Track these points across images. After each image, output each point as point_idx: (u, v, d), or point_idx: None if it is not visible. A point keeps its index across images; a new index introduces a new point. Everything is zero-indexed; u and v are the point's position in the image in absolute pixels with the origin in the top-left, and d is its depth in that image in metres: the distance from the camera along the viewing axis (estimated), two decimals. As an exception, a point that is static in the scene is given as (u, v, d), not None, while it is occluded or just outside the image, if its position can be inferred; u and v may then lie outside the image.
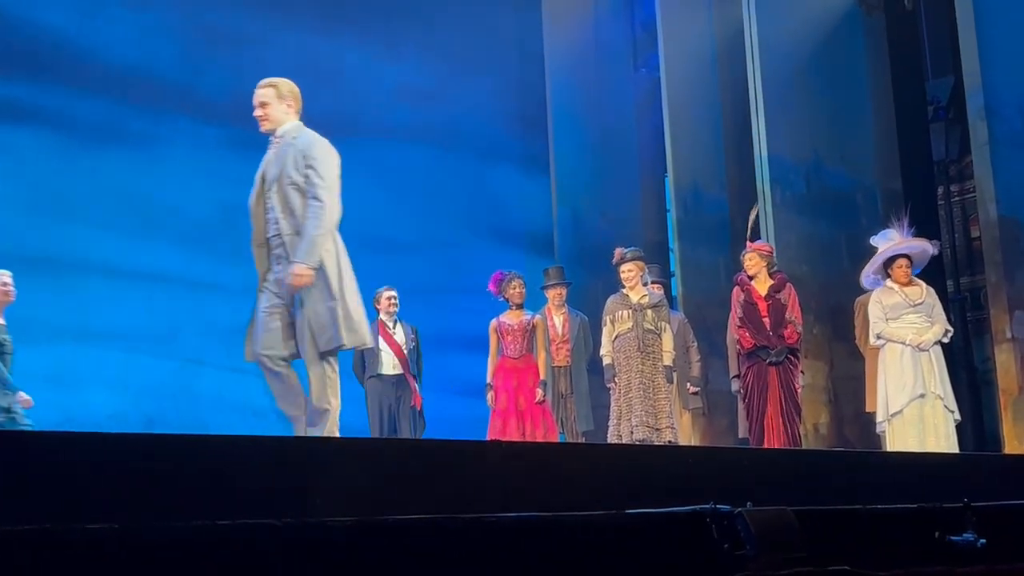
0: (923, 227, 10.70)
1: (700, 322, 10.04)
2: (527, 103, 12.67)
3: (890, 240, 8.16)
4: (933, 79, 11.61)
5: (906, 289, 7.97)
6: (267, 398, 10.06)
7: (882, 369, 7.97)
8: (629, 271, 8.37)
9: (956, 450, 7.74)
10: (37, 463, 3.03)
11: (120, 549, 2.41)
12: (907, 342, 7.82)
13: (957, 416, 7.89)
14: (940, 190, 11.56)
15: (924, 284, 8.09)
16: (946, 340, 8.04)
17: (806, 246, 9.84)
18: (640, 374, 8.14)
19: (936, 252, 8.31)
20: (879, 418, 7.99)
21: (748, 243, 8.88)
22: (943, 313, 8.09)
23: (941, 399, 7.78)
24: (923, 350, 7.82)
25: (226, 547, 2.54)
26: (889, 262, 8.05)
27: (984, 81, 9.24)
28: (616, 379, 8.25)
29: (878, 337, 7.96)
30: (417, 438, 8.84)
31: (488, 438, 8.38)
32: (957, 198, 11.62)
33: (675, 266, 11.35)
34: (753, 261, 8.36)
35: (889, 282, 8.03)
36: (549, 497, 3.81)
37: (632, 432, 8.01)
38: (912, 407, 7.73)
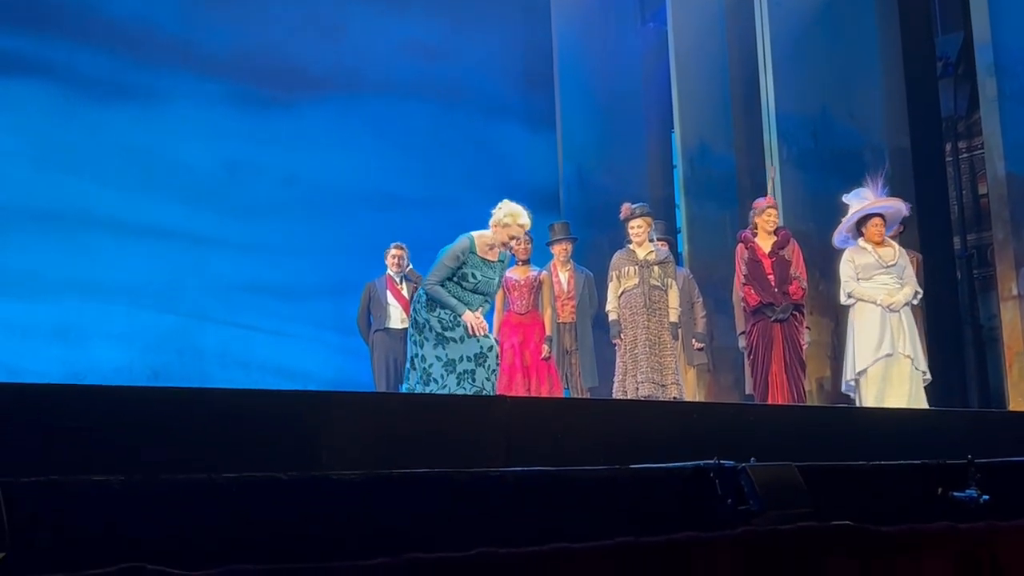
0: (931, 183, 10.68)
1: (706, 278, 10.02)
2: (533, 58, 12.57)
3: (863, 199, 8.12)
4: (942, 35, 11.50)
5: (879, 250, 7.97)
6: (271, 353, 10.14)
7: (851, 328, 7.99)
8: (638, 227, 8.35)
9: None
10: (44, 416, 3.04)
11: (126, 501, 2.42)
12: (878, 302, 7.82)
13: (928, 376, 7.94)
14: (948, 147, 11.48)
15: (897, 245, 8.12)
16: (915, 302, 8.07)
17: (813, 203, 9.79)
18: (646, 330, 8.14)
19: (908, 213, 8.31)
20: (847, 376, 8.01)
21: (767, 198, 8.80)
22: (914, 275, 8.12)
23: (910, 359, 7.80)
24: (894, 311, 7.83)
25: (232, 500, 2.55)
26: (863, 221, 8.02)
27: (993, 37, 9.16)
28: (622, 335, 8.25)
29: (849, 296, 7.98)
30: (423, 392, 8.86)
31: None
32: (965, 155, 11.55)
33: (681, 223, 11.31)
34: (771, 216, 8.35)
35: (861, 241, 8.02)
36: (554, 452, 3.83)
37: (637, 388, 8.02)
38: (877, 366, 7.76)
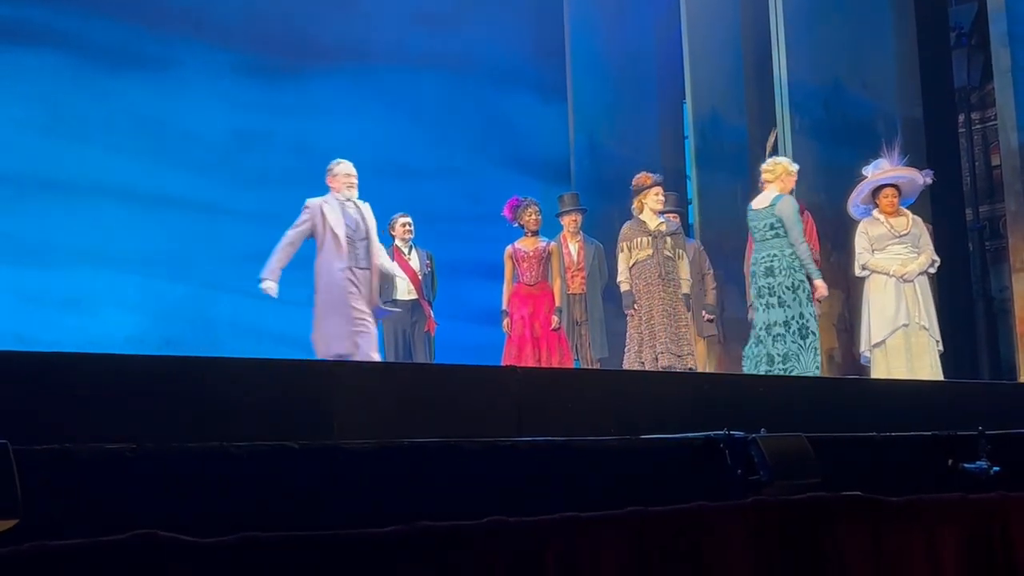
0: (943, 154, 10.61)
1: (717, 249, 9.99)
2: (544, 28, 12.50)
3: (880, 170, 8.08)
4: (956, 4, 11.43)
5: (891, 220, 7.93)
6: (283, 322, 10.16)
7: (866, 300, 7.97)
8: (661, 194, 8.32)
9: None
10: (57, 384, 3.05)
11: (138, 469, 2.44)
12: (891, 273, 7.80)
13: (941, 347, 7.90)
14: (961, 117, 11.43)
15: (911, 214, 8.04)
16: (932, 271, 8.02)
17: (825, 173, 9.75)
18: (662, 301, 8.10)
19: (929, 182, 8.22)
20: (862, 348, 8.00)
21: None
22: (930, 243, 8.05)
23: (926, 329, 7.78)
24: (907, 281, 7.80)
25: (243, 469, 2.57)
26: (876, 192, 7.98)
27: (1007, 6, 9.09)
28: (636, 306, 8.22)
29: (863, 268, 7.95)
30: (433, 363, 8.87)
31: (503, 364, 8.40)
32: (978, 126, 11.49)
33: (692, 193, 11.28)
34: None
35: (876, 212, 7.98)
36: (563, 422, 3.83)
37: (657, 359, 7.98)
38: (896, 336, 7.74)
